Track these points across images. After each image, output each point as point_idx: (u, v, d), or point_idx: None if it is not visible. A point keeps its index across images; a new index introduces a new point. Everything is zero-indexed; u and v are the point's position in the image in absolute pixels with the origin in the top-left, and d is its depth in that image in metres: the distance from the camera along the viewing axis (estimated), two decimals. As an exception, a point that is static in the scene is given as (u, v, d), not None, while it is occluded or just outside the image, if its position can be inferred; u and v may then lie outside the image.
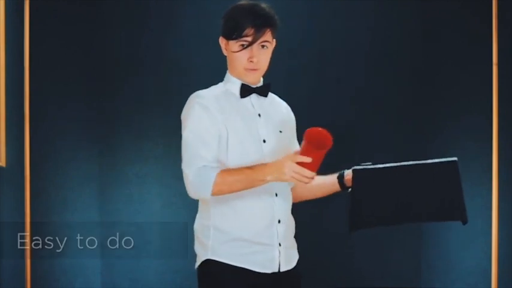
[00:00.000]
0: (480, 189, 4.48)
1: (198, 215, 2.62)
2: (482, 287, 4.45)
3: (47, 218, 4.48)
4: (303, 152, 2.36)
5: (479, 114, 4.49)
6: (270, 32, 2.55)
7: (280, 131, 2.63)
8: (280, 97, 2.80)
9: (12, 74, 4.18)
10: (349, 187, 2.59)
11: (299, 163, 2.39)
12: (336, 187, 2.64)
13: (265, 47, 2.55)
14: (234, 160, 2.51)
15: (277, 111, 2.68)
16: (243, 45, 2.52)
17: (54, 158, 4.52)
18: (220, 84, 2.66)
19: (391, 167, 2.45)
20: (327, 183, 2.65)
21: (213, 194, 2.48)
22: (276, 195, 2.56)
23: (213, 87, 2.66)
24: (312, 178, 2.41)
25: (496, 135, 4.39)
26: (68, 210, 4.55)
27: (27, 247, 4.34)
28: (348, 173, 2.61)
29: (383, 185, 2.46)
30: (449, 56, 4.61)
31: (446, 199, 2.45)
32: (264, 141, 2.56)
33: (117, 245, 4.65)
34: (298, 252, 2.70)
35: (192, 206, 4.77)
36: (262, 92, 2.61)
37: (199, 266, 2.59)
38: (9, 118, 4.11)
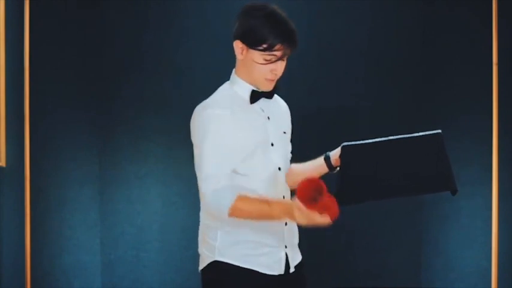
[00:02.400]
0: (480, 189, 4.48)
1: (202, 216, 2.60)
2: (482, 287, 4.45)
3: (47, 218, 4.48)
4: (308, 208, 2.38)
5: (479, 114, 4.49)
6: None
7: (284, 132, 2.63)
8: (280, 97, 2.80)
9: (12, 74, 4.18)
10: (336, 167, 2.59)
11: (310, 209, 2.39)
12: (324, 168, 2.62)
13: (284, 59, 2.52)
14: (246, 167, 2.50)
15: (281, 112, 2.67)
16: (269, 58, 2.45)
17: (54, 157, 4.52)
18: (226, 86, 2.60)
19: (379, 141, 2.48)
20: (315, 165, 2.64)
21: (229, 216, 2.45)
22: (284, 197, 2.56)
23: (220, 91, 2.59)
24: (330, 221, 2.42)
25: (496, 135, 4.40)
26: (68, 210, 4.55)
27: (27, 247, 4.34)
28: (334, 154, 2.61)
29: (371, 160, 2.48)
30: (449, 56, 4.61)
31: (434, 171, 2.48)
32: (272, 144, 2.56)
33: (117, 245, 4.65)
34: (300, 252, 2.71)
35: (192, 206, 4.78)
36: (270, 95, 2.59)
37: (206, 267, 2.57)
38: (9, 118, 4.11)
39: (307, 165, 2.66)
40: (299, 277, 2.61)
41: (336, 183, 2.47)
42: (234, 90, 2.55)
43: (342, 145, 2.51)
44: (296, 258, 2.62)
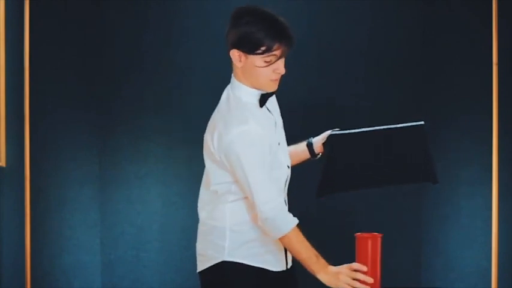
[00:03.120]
0: (480, 189, 4.48)
1: (206, 216, 2.59)
2: (482, 287, 4.45)
3: (47, 218, 4.48)
4: (359, 260, 2.42)
5: (479, 114, 4.49)
6: None
7: (281, 127, 2.65)
8: (280, 97, 2.80)
9: (12, 74, 4.18)
10: (318, 154, 2.61)
11: (355, 271, 2.48)
12: (306, 154, 2.67)
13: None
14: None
15: (276, 107, 2.69)
16: (269, 59, 2.45)
17: (54, 158, 4.52)
18: (232, 97, 2.54)
19: (364, 131, 2.52)
20: (298, 151, 2.69)
21: (277, 239, 2.50)
22: (287, 195, 2.62)
23: (233, 103, 2.52)
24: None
25: (496, 135, 4.39)
26: (68, 210, 4.55)
27: (27, 247, 4.34)
28: (317, 140, 2.65)
29: (355, 149, 2.52)
30: (449, 56, 4.60)
31: (416, 162, 2.51)
32: (279, 144, 2.57)
33: (117, 245, 4.65)
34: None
35: (192, 206, 4.76)
36: (270, 94, 2.59)
37: (210, 268, 2.57)
38: (9, 118, 4.11)
39: (290, 148, 2.67)
40: (293, 272, 2.67)
41: (321, 170, 2.50)
42: (239, 97, 2.53)
43: (329, 134, 2.54)
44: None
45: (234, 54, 2.47)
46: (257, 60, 2.45)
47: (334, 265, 2.54)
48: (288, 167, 2.59)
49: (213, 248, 2.57)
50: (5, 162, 4.08)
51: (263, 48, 2.43)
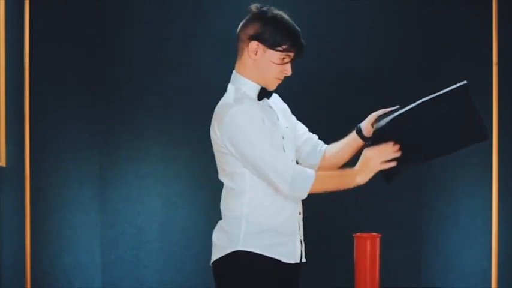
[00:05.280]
0: (480, 189, 4.48)
1: (224, 208, 2.62)
2: (482, 287, 4.45)
3: (47, 218, 4.48)
4: (358, 260, 2.41)
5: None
6: None
7: (286, 127, 2.66)
8: (280, 97, 2.81)
9: (12, 74, 4.18)
10: (369, 137, 2.65)
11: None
12: (359, 141, 2.70)
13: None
14: None
15: (279, 105, 2.72)
16: (284, 58, 2.58)
17: (54, 158, 4.52)
18: (232, 89, 2.63)
19: (407, 111, 2.52)
20: (349, 139, 2.73)
21: (310, 191, 2.53)
22: None
23: (231, 92, 2.62)
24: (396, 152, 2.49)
25: (496, 135, 4.40)
26: (68, 210, 4.55)
27: (27, 247, 4.34)
28: (365, 125, 2.71)
29: (405, 129, 2.53)
30: (449, 56, 4.61)
31: (467, 123, 2.53)
32: (283, 137, 2.62)
33: (117, 245, 4.65)
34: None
35: (192, 206, 4.79)
36: (269, 94, 2.66)
37: (223, 257, 2.60)
38: (9, 118, 4.11)
39: (341, 142, 2.73)
40: (300, 268, 2.68)
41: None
42: (243, 91, 2.60)
43: (373, 130, 2.58)
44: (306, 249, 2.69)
45: (253, 45, 2.57)
46: (275, 56, 2.57)
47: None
48: (292, 161, 2.62)
49: (228, 237, 2.59)
50: (5, 162, 4.08)
51: (284, 47, 2.56)
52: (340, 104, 4.67)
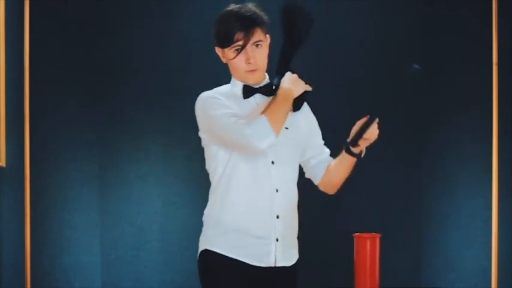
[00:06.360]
0: (480, 189, 4.48)
1: (207, 206, 2.64)
2: (482, 287, 4.45)
3: (47, 218, 4.48)
4: (358, 260, 2.43)
5: (479, 114, 4.49)
6: (260, 30, 2.57)
7: (286, 128, 2.64)
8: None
9: (12, 74, 4.18)
10: (360, 152, 2.63)
11: None
12: (349, 158, 2.65)
13: (259, 46, 2.57)
14: (237, 159, 2.55)
15: (307, 114, 2.73)
16: (237, 49, 2.55)
17: (54, 158, 4.52)
18: (227, 86, 2.69)
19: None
20: (341, 158, 2.67)
21: (276, 131, 2.53)
22: (277, 190, 2.58)
23: (218, 88, 2.68)
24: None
25: (496, 135, 4.40)
26: (68, 210, 4.55)
27: (27, 247, 4.34)
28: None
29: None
30: (449, 56, 4.61)
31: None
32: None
33: (117, 245, 4.65)
34: (299, 251, 2.70)
35: (192, 206, 4.79)
36: (265, 91, 2.62)
37: (199, 255, 2.62)
38: (9, 118, 4.11)
39: (334, 161, 2.70)
40: (289, 273, 2.61)
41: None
42: (231, 89, 2.64)
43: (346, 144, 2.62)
44: (289, 255, 2.61)
45: (218, 51, 2.62)
46: (229, 53, 2.57)
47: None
48: (273, 162, 2.58)
49: (202, 236, 2.62)
50: (5, 162, 4.08)
51: (226, 40, 2.54)
52: (340, 104, 4.67)
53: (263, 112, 2.52)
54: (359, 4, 4.69)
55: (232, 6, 2.59)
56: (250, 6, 2.58)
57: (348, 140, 2.60)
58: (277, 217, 2.56)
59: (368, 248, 2.35)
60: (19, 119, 4.32)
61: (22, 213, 4.33)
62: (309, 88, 2.66)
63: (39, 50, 4.42)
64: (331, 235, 4.61)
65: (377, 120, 2.60)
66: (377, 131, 2.63)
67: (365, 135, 2.59)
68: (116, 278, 4.65)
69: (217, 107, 2.55)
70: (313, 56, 4.67)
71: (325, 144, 2.76)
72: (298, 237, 2.71)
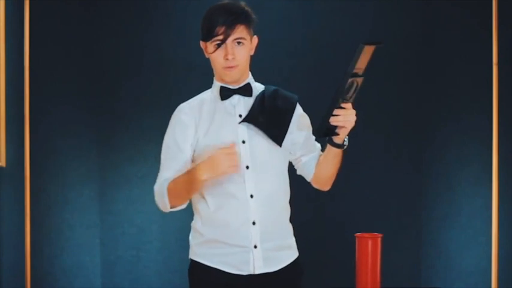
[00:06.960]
0: (480, 189, 4.48)
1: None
2: (482, 287, 4.45)
3: (47, 217, 4.48)
4: (359, 260, 2.43)
5: (479, 114, 4.49)
6: (244, 28, 2.54)
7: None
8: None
9: (12, 74, 4.18)
10: (342, 143, 2.60)
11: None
12: (333, 149, 2.62)
13: (241, 44, 2.54)
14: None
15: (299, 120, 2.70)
16: (217, 44, 2.52)
17: (54, 157, 4.52)
18: (209, 90, 2.70)
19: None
20: (327, 151, 2.63)
21: (172, 206, 2.59)
22: (252, 196, 2.55)
23: (202, 93, 2.70)
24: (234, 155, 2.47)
25: (496, 135, 4.39)
26: (68, 210, 4.55)
27: (27, 247, 4.34)
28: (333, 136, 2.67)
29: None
30: (449, 56, 4.60)
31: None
32: (244, 141, 2.56)
33: (117, 245, 4.65)
34: (299, 251, 2.70)
35: (192, 206, 4.77)
36: (244, 92, 2.60)
37: (189, 265, 2.68)
38: (9, 118, 4.11)
39: (321, 156, 2.68)
40: (276, 278, 2.58)
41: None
42: (212, 92, 2.65)
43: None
44: (273, 259, 2.58)
45: (202, 46, 2.60)
46: (209, 46, 2.55)
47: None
48: (247, 167, 2.55)
49: (190, 247, 2.67)
50: (5, 162, 4.08)
51: (208, 33, 2.52)
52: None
53: (176, 180, 2.54)
54: (359, 4, 4.68)
55: (223, 2, 2.57)
56: (240, 3, 2.56)
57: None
58: (253, 223, 2.53)
59: (370, 248, 2.35)
60: (19, 119, 4.32)
61: (22, 213, 4.33)
62: (227, 173, 2.50)
63: (39, 50, 4.42)
64: (331, 235, 4.61)
65: (341, 103, 2.60)
66: (354, 118, 2.58)
67: (340, 123, 2.55)
68: (116, 278, 4.65)
69: (164, 152, 2.66)
70: (312, 56, 4.67)
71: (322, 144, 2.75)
72: (298, 238, 2.70)
